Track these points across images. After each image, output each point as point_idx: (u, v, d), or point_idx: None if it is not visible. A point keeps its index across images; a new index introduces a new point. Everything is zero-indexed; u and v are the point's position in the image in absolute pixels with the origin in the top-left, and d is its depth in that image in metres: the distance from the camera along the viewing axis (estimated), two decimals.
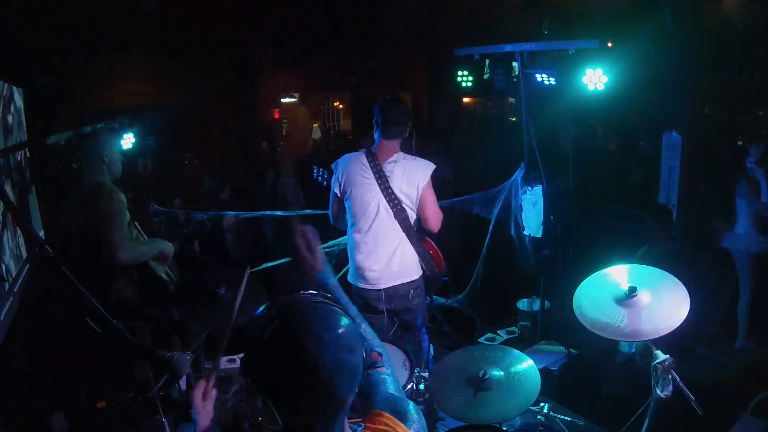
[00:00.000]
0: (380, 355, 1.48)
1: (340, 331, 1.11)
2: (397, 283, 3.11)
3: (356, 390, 1.16)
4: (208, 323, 2.90)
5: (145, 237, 3.33)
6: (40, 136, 3.79)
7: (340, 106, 13.23)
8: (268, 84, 10.15)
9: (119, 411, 2.99)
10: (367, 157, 3.06)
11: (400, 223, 3.05)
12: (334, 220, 3.28)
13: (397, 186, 3.03)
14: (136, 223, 3.26)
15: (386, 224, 3.06)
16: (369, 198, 3.04)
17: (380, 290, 3.10)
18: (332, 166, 3.19)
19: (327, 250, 4.25)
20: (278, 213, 4.48)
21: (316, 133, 11.86)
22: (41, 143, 3.76)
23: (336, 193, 3.14)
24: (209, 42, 7.93)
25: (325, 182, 3.79)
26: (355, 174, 3.06)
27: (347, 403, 1.15)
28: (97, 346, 3.22)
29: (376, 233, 3.07)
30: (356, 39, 9.77)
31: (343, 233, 4.00)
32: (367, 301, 3.15)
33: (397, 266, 3.10)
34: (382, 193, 3.02)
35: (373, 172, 3.03)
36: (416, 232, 3.13)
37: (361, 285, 3.14)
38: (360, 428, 1.25)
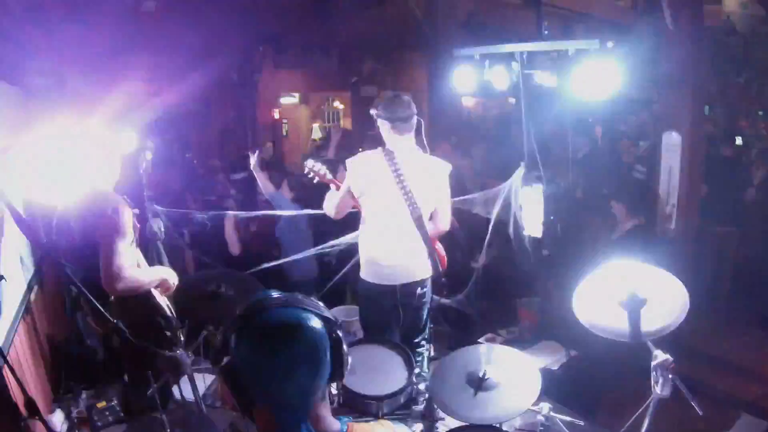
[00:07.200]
0: None
1: (291, 350, 1.18)
2: (411, 280, 3.16)
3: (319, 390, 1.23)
4: (208, 323, 2.91)
5: (146, 263, 3.03)
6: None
7: (340, 106, 13.23)
8: (268, 84, 10.16)
9: (119, 410, 3.00)
10: (385, 156, 3.07)
11: (415, 221, 3.08)
12: (335, 213, 3.26)
13: (415, 185, 3.06)
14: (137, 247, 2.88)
15: (403, 223, 3.09)
16: (387, 196, 3.06)
17: (394, 286, 3.14)
18: (346, 162, 3.19)
19: (327, 249, 4.26)
20: (278, 213, 4.48)
21: (316, 133, 11.85)
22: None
23: (351, 190, 3.14)
24: (209, 42, 7.92)
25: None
26: (373, 172, 3.07)
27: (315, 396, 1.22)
28: (98, 345, 3.22)
29: (393, 231, 3.10)
30: (356, 39, 9.76)
31: (343, 234, 4.01)
32: (378, 298, 3.18)
33: (412, 264, 3.16)
34: (401, 192, 3.04)
35: (392, 171, 3.04)
36: (427, 231, 3.16)
37: (375, 281, 3.17)
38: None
